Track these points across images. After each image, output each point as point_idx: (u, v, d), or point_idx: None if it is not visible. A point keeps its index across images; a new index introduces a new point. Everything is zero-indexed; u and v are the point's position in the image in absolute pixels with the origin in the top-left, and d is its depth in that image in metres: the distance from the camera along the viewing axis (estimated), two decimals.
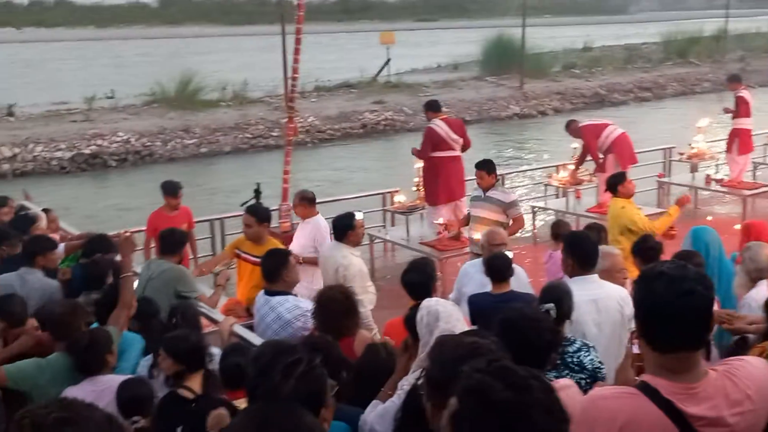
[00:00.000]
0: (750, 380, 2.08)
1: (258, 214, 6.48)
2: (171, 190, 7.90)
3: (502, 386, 1.61)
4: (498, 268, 4.90)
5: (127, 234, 5.16)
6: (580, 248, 4.44)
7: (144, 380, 4.10)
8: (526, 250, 10.20)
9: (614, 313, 4.22)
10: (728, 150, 11.71)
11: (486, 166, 7.50)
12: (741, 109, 11.46)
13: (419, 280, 4.68)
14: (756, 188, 11.26)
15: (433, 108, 9.17)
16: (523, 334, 2.95)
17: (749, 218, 9.60)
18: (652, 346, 2.07)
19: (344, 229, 6.29)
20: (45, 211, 7.19)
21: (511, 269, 4.95)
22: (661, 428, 1.98)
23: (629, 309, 4.24)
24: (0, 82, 31.77)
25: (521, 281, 5.44)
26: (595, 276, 4.38)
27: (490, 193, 7.47)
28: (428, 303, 3.20)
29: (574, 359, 3.68)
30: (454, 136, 8.92)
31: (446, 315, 3.11)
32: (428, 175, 9.13)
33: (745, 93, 11.58)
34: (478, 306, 4.74)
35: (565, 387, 2.82)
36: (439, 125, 8.87)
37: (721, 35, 40.47)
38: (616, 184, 7.60)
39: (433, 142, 8.88)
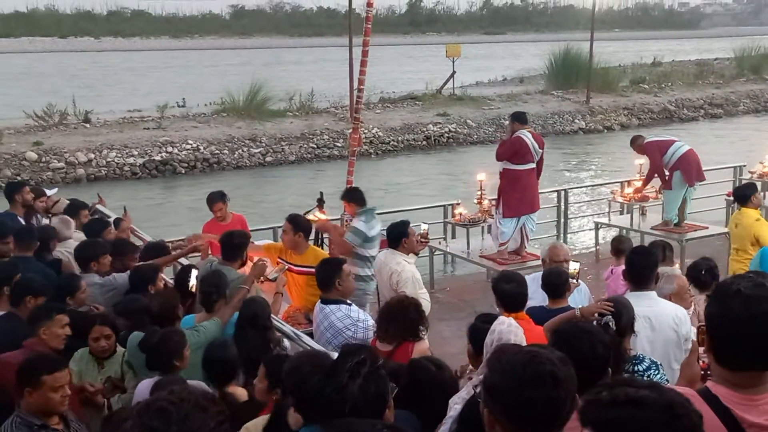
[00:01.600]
0: None
1: (296, 222, 6.52)
2: (211, 200, 7.84)
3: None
4: (554, 283, 4.92)
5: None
6: (631, 264, 4.50)
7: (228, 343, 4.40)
8: (588, 266, 10.09)
9: (668, 331, 4.18)
10: None
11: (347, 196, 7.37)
12: None
13: (517, 291, 4.61)
14: None
15: (520, 119, 9.14)
16: (575, 347, 2.95)
17: None
18: (721, 363, 2.05)
19: (398, 236, 6.38)
20: (116, 221, 7.32)
21: (566, 284, 4.95)
22: None
23: (685, 328, 4.19)
24: (78, 89, 32.97)
25: (583, 296, 5.43)
26: (653, 293, 4.35)
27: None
28: (500, 327, 3.19)
29: (644, 378, 3.66)
30: (539, 149, 8.91)
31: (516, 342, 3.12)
32: (507, 186, 9.01)
33: None
34: (534, 320, 4.74)
35: None
36: (527, 136, 8.84)
37: None
38: (749, 196, 7.70)
39: (518, 152, 8.83)
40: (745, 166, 12.95)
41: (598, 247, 10.93)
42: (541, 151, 8.91)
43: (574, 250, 11.68)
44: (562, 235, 11.61)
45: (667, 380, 3.69)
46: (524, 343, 3.14)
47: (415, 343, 4.38)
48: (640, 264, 4.48)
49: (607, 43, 39.13)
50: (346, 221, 9.05)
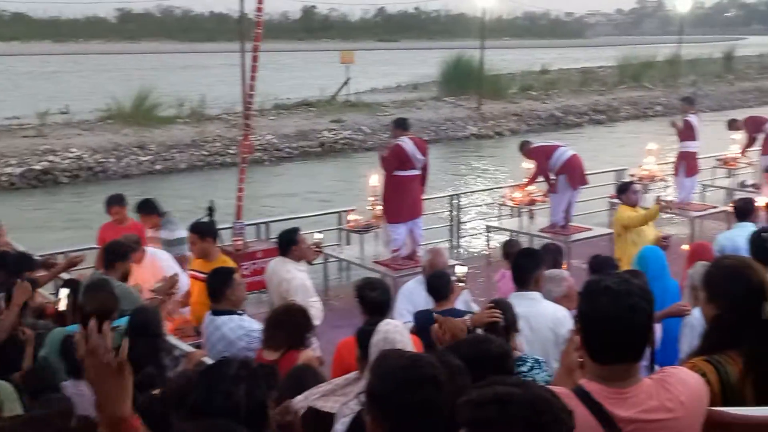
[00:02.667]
0: (683, 387, 2.14)
1: (199, 230, 6.40)
2: (109, 202, 7.64)
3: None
4: (437, 285, 5.02)
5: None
6: (516, 266, 4.73)
7: None
8: (480, 269, 10.27)
9: (546, 332, 4.31)
10: (675, 173, 11.96)
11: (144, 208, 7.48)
12: (687, 132, 11.72)
13: (382, 299, 4.70)
14: (703, 210, 11.51)
15: (401, 126, 9.19)
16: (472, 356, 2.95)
17: (697, 239, 9.82)
18: (593, 357, 2.11)
19: (287, 244, 6.28)
20: None
21: (450, 286, 5.03)
22: (589, 430, 2.02)
23: (564, 329, 4.30)
24: None
25: (465, 299, 5.60)
26: (536, 294, 4.47)
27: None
28: (386, 328, 3.18)
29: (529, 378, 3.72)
30: (420, 156, 8.95)
31: (402, 345, 3.11)
32: (390, 193, 9.08)
33: (692, 117, 11.85)
34: (421, 322, 4.82)
35: None
36: (407, 143, 8.87)
37: (674, 60, 41.50)
38: (621, 192, 8.43)
39: (400, 159, 8.87)
40: (626, 169, 13.51)
41: (489, 251, 11.14)
42: (423, 157, 8.98)
43: (465, 254, 11.91)
44: (454, 239, 11.79)
45: (549, 379, 3.75)
46: (410, 344, 3.17)
47: (301, 352, 4.32)
48: (524, 265, 4.66)
49: (498, 51, 40.18)
50: (236, 235, 8.90)
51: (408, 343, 3.17)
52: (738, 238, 6.51)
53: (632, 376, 2.10)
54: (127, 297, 5.11)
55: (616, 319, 2.04)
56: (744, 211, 7.04)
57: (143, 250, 6.50)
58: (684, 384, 2.16)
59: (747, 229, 6.46)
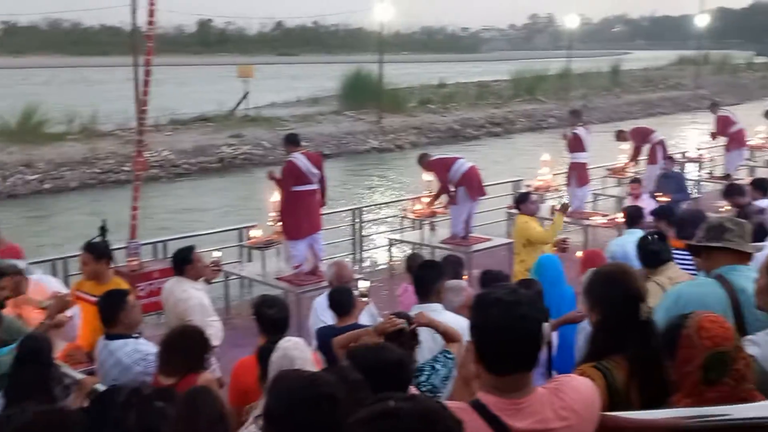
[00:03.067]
0: (577, 395, 2.18)
1: (94, 250, 6.11)
2: None
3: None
4: (339, 301, 4.97)
5: None
6: (417, 278, 4.73)
7: None
8: (383, 283, 10.27)
9: (441, 341, 4.32)
10: (568, 183, 12.38)
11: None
12: (576, 144, 12.19)
13: (279, 316, 4.62)
14: (596, 217, 11.92)
15: (292, 142, 9.11)
16: (371, 366, 2.93)
17: (590, 247, 10.15)
18: (488, 368, 2.13)
19: (182, 263, 6.08)
20: None
21: (352, 302, 5.00)
22: None
23: (465, 338, 4.34)
24: None
25: (372, 312, 5.55)
26: (438, 305, 4.50)
27: None
28: (286, 345, 3.16)
29: (427, 386, 3.76)
30: (314, 170, 8.89)
31: (301, 361, 3.08)
32: (287, 209, 9.01)
33: (580, 130, 12.33)
34: (323, 338, 4.77)
35: None
36: (300, 159, 8.81)
37: (564, 74, 43.13)
38: (519, 203, 8.56)
39: (293, 175, 8.79)
40: (522, 180, 13.88)
41: (392, 264, 11.17)
42: (317, 171, 8.95)
43: (369, 267, 11.91)
44: (357, 253, 11.77)
45: (448, 370, 3.84)
46: (310, 360, 3.15)
47: (199, 374, 4.17)
48: (425, 277, 4.66)
49: (396, 65, 40.69)
50: (131, 255, 8.58)
51: (308, 359, 3.14)
52: (628, 244, 6.76)
53: (526, 386, 2.12)
54: (10, 326, 4.81)
55: (508, 329, 2.06)
56: (634, 217, 7.31)
57: (24, 277, 6.11)
58: (577, 392, 2.20)
59: (636, 235, 6.74)
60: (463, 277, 6.56)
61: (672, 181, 11.85)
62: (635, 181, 11.01)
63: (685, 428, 2.17)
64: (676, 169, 13.53)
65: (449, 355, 3.96)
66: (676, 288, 3.59)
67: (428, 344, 4.27)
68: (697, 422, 2.15)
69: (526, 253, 8.06)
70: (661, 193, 10.76)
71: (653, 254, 4.86)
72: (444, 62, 77.67)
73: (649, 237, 5.06)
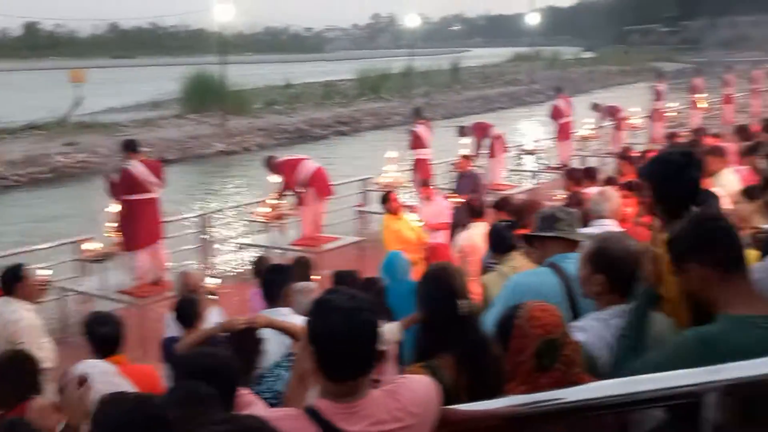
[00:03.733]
0: (412, 395, 2.18)
1: None
2: None
3: None
4: (185, 312, 4.81)
5: None
6: (265, 282, 4.65)
7: None
8: (233, 289, 10.01)
9: (282, 346, 4.25)
10: (413, 180, 12.68)
11: None
12: (417, 141, 12.56)
13: (113, 333, 4.36)
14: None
15: (130, 148, 8.70)
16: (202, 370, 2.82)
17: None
18: (327, 376, 2.09)
19: (11, 281, 5.65)
20: None
21: (198, 312, 4.84)
22: None
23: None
24: None
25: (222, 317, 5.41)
26: (286, 309, 4.44)
27: None
28: (91, 371, 3.04)
29: (272, 393, 3.65)
30: (153, 179, 8.52)
31: (110, 386, 2.92)
32: (125, 219, 8.61)
33: (419, 127, 12.69)
34: (167, 350, 4.59)
35: (249, 405, 2.84)
36: (136, 167, 8.42)
37: (407, 72, 44.08)
38: (383, 202, 8.66)
39: (129, 184, 8.39)
40: (371, 178, 14.02)
41: (241, 269, 10.93)
42: (157, 180, 8.63)
43: (218, 273, 11.58)
44: (206, 259, 11.42)
45: None
46: (118, 381, 3.09)
47: (31, 401, 3.86)
48: (273, 281, 4.59)
49: (240, 66, 40.02)
50: None
51: (106, 370, 2.96)
52: (476, 236, 6.97)
53: (362, 390, 2.11)
54: None
55: (350, 337, 2.03)
56: (476, 211, 7.51)
57: None
58: (413, 392, 2.20)
59: (481, 228, 6.97)
60: (313, 278, 6.52)
61: (468, 181, 11.55)
62: (425, 184, 10.40)
63: (520, 415, 2.20)
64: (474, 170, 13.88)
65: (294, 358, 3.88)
66: (512, 278, 3.68)
67: (280, 348, 4.16)
68: (532, 408, 2.18)
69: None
70: (456, 194, 10.63)
71: (501, 240, 5.00)
72: (289, 62, 77.29)
73: (499, 223, 5.21)
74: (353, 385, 2.09)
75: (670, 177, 2.84)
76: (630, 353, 2.53)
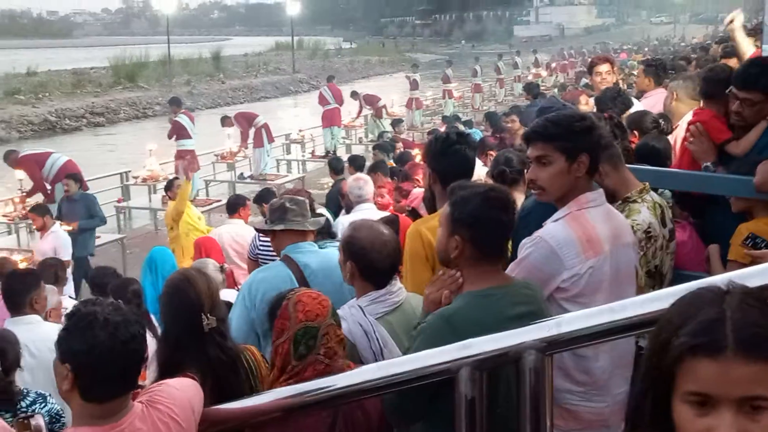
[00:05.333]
0: (171, 400, 2.11)
1: None
2: None
3: None
4: None
5: None
6: (7, 289, 4.37)
7: None
8: None
9: (49, 354, 3.93)
10: (176, 171, 12.19)
11: None
12: (180, 132, 12.14)
13: None
14: (209, 204, 11.92)
15: None
16: None
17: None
18: (87, 397, 1.94)
19: None
20: None
21: None
22: None
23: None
24: None
25: None
26: (33, 317, 4.21)
27: None
28: None
29: (30, 411, 3.37)
30: None
31: None
32: None
33: (181, 117, 12.28)
34: None
35: None
36: None
37: (166, 60, 42.33)
38: (167, 190, 8.73)
39: None
40: (130, 171, 13.35)
41: None
42: None
43: None
44: None
45: (59, 410, 3.49)
46: None
47: None
48: (14, 289, 4.30)
49: None
50: None
51: None
52: (224, 234, 6.88)
53: (125, 407, 2.01)
54: None
55: (118, 353, 1.92)
56: (233, 205, 7.36)
57: None
58: (171, 397, 2.13)
59: (239, 224, 6.95)
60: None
61: (79, 205, 9.19)
62: (35, 210, 8.44)
63: (290, 407, 2.19)
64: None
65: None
66: (250, 275, 3.64)
67: (26, 360, 3.82)
68: (302, 399, 2.18)
69: (176, 236, 7.72)
70: (67, 221, 8.83)
71: None
72: (32, 48, 71.08)
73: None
74: (118, 403, 1.98)
75: (445, 152, 3.08)
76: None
